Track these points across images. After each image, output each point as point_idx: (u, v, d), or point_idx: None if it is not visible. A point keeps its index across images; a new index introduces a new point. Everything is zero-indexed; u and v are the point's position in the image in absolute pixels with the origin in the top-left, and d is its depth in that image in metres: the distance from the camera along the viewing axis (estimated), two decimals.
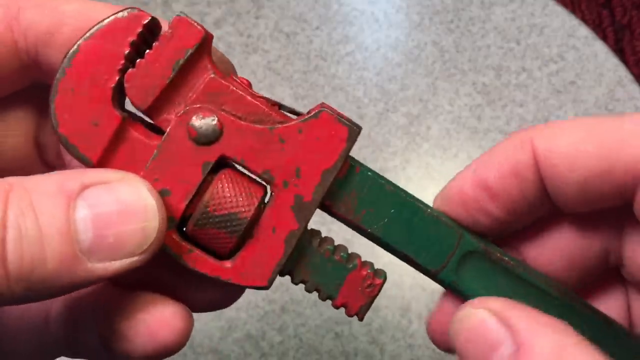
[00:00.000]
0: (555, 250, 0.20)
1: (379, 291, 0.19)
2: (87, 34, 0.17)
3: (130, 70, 0.17)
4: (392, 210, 0.19)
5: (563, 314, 0.18)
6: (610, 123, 0.17)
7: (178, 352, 0.40)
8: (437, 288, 0.44)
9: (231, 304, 0.21)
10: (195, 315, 0.40)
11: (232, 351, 0.39)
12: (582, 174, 0.17)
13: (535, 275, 0.19)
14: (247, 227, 0.18)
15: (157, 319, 0.19)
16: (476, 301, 0.18)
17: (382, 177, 0.19)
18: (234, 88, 0.18)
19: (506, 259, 0.19)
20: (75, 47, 0.17)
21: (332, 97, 0.45)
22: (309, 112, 0.18)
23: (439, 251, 0.19)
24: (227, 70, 0.19)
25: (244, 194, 0.18)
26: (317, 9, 0.48)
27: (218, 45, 0.47)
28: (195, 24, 0.17)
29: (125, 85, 0.17)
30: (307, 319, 0.39)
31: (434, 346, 0.39)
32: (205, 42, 0.17)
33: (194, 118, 0.17)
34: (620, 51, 0.49)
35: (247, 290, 0.42)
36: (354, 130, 0.18)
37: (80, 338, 0.20)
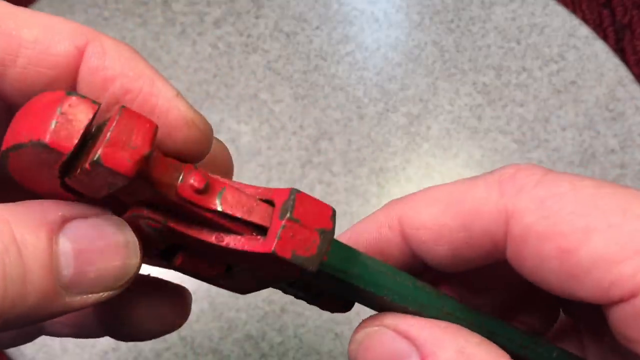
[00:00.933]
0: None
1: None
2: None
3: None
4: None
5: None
6: (464, 192, 0.18)
7: (178, 353, 0.40)
8: None
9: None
10: (195, 316, 0.40)
11: (232, 352, 0.39)
12: (448, 246, 0.18)
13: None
14: None
15: (162, 301, 0.20)
16: (370, 320, 0.18)
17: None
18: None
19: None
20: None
21: (332, 97, 0.45)
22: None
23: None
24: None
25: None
26: (317, 9, 0.48)
27: (218, 45, 0.47)
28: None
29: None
30: (307, 320, 0.39)
31: None
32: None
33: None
34: (620, 51, 0.49)
35: None
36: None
37: (78, 322, 0.21)
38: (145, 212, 0.16)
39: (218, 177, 0.17)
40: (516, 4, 0.48)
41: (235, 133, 0.44)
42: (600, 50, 0.47)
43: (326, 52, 0.47)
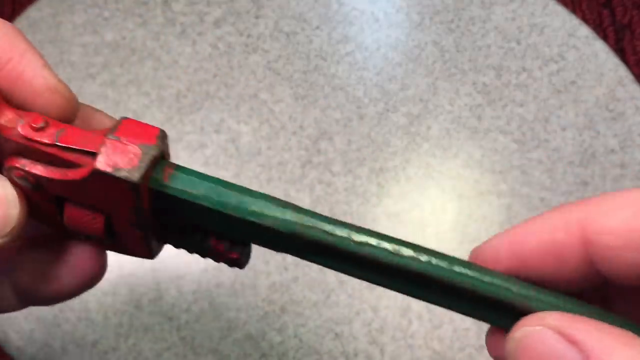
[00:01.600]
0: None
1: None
2: None
3: None
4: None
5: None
6: None
7: (178, 353, 0.40)
8: None
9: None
10: (194, 316, 0.40)
11: (232, 352, 0.39)
12: (638, 254, 0.17)
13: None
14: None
15: (79, 256, 0.21)
16: (532, 318, 0.17)
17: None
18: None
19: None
20: None
21: (332, 97, 0.45)
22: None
23: None
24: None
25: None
26: (317, 9, 0.48)
27: (218, 45, 0.47)
28: None
29: None
30: (307, 320, 0.39)
31: (434, 346, 0.39)
32: None
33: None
34: (620, 51, 0.49)
35: (247, 291, 0.42)
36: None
37: None
38: (13, 163, 0.18)
39: (63, 123, 0.19)
40: (516, 4, 0.48)
41: (235, 133, 0.44)
42: (600, 50, 0.47)
43: (326, 52, 0.47)
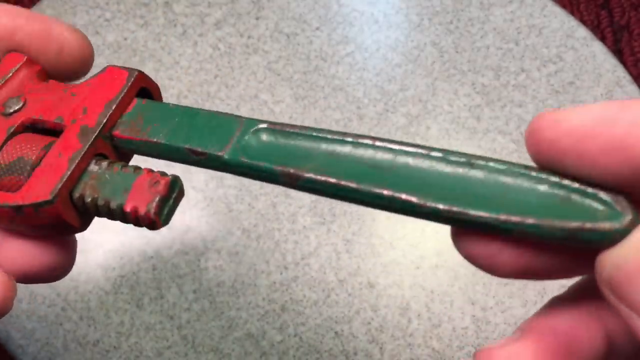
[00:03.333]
0: None
1: (169, 189, 0.19)
2: None
3: None
4: (176, 119, 0.20)
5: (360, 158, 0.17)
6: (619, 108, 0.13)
7: (179, 352, 0.40)
8: (437, 287, 0.44)
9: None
10: (195, 314, 0.40)
11: (232, 350, 0.39)
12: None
13: (330, 134, 0.18)
14: (34, 164, 0.19)
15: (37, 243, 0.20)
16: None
17: (168, 103, 0.21)
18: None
19: (294, 126, 0.19)
20: None
21: (332, 98, 0.45)
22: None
23: (221, 137, 0.19)
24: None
25: (31, 143, 0.20)
26: (317, 10, 0.48)
27: (219, 46, 0.47)
28: None
29: None
30: (307, 319, 0.40)
31: (433, 345, 0.39)
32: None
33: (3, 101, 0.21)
34: (618, 52, 0.49)
35: (247, 290, 0.42)
36: (132, 71, 0.20)
37: None
38: None
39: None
40: (515, 5, 0.49)
41: None
42: (598, 51, 0.47)
43: (326, 53, 0.47)
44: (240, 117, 0.19)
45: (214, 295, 0.40)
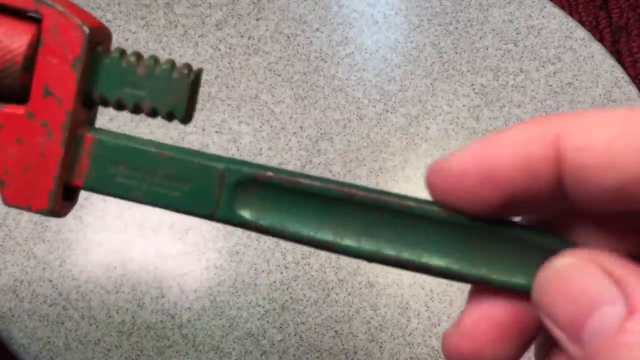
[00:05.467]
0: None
1: (196, 78, 0.18)
2: None
3: None
4: (143, 167, 0.18)
5: (366, 214, 0.17)
6: None
7: (180, 351, 0.40)
8: (436, 286, 0.44)
9: None
10: (196, 314, 0.41)
11: (233, 349, 0.39)
12: (617, 177, 0.15)
13: (322, 185, 0.17)
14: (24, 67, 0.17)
15: None
16: (570, 252, 0.15)
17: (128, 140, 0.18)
18: None
19: (284, 176, 0.17)
20: None
21: (332, 98, 0.46)
22: None
23: (204, 193, 0.17)
24: None
25: (10, 32, 0.17)
26: (317, 11, 0.48)
27: (219, 47, 0.47)
28: None
29: None
30: (307, 318, 0.40)
31: (432, 344, 0.39)
32: None
33: None
34: (617, 52, 0.49)
35: (248, 289, 0.43)
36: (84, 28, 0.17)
37: None
38: None
39: None
40: (513, 6, 0.49)
41: (236, 133, 0.44)
42: (597, 52, 0.47)
43: (326, 54, 0.47)
44: (218, 161, 0.17)
45: (214, 295, 0.40)
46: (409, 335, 0.40)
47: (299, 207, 0.17)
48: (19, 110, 0.17)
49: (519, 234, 0.17)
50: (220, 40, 0.47)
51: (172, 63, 0.17)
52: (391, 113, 0.45)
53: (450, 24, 0.48)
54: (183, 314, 0.40)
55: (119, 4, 0.49)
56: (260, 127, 0.45)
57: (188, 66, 0.17)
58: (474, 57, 0.47)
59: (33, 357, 0.39)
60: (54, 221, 0.41)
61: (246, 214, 0.17)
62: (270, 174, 0.17)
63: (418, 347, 0.39)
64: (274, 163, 0.44)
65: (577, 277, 0.14)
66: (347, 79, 0.46)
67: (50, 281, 0.40)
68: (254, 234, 0.41)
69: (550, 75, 0.47)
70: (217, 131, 0.44)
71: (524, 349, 0.17)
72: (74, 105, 0.17)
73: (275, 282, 0.40)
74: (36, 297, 0.40)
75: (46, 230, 0.41)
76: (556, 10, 0.49)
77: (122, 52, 0.17)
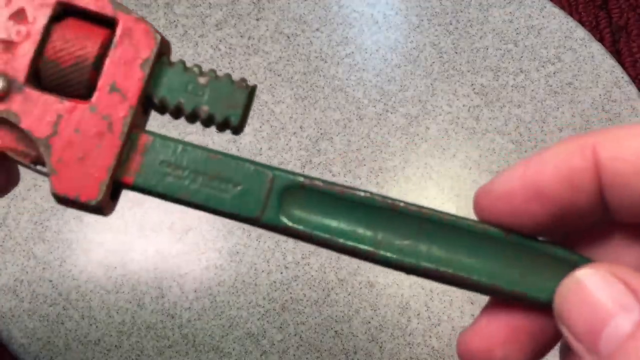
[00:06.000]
0: (611, 260, 0.18)
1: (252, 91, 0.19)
2: None
3: None
4: (193, 167, 0.18)
5: (409, 225, 0.17)
6: None
7: (180, 351, 0.41)
8: (436, 286, 0.45)
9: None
10: (196, 314, 0.41)
11: (232, 349, 0.39)
12: None
13: (367, 195, 0.18)
14: (94, 66, 0.18)
15: None
16: (591, 265, 0.16)
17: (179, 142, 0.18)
18: None
19: (330, 185, 0.18)
20: None
21: (332, 98, 0.46)
22: None
23: (253, 196, 0.18)
24: None
25: (83, 35, 0.18)
26: (317, 11, 0.49)
27: (219, 46, 0.47)
28: None
29: None
30: (307, 318, 0.40)
31: (432, 344, 0.39)
32: None
33: None
34: (617, 52, 0.49)
35: (248, 289, 0.42)
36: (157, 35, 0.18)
37: None
38: None
39: None
40: (513, 6, 0.49)
41: None
42: (597, 52, 0.47)
43: (326, 54, 0.47)
44: (267, 167, 0.18)
45: (214, 295, 0.40)
46: (409, 335, 0.40)
47: (343, 216, 0.18)
48: (81, 104, 0.18)
49: (548, 249, 0.18)
50: (220, 40, 0.47)
51: (230, 76, 0.18)
52: (391, 113, 0.45)
53: (450, 24, 0.48)
54: (183, 314, 0.40)
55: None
56: (260, 127, 0.45)
57: (244, 80, 0.18)
58: (474, 57, 0.47)
59: (33, 357, 0.39)
60: (54, 221, 0.41)
61: (291, 220, 0.18)
62: (317, 182, 0.18)
63: (418, 347, 0.39)
64: (274, 163, 0.44)
65: (595, 286, 0.15)
66: (347, 79, 0.46)
67: (50, 281, 0.40)
68: (253, 234, 0.41)
69: (550, 75, 0.47)
70: (217, 131, 0.44)
71: (536, 355, 0.18)
72: (138, 102, 0.18)
73: (275, 282, 0.40)
74: (36, 297, 0.40)
75: (46, 230, 0.41)
76: (556, 10, 0.49)
77: (184, 63, 0.18)
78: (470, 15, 0.48)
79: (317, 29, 0.48)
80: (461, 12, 0.49)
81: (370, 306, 0.40)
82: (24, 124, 0.17)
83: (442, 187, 0.43)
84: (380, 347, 0.39)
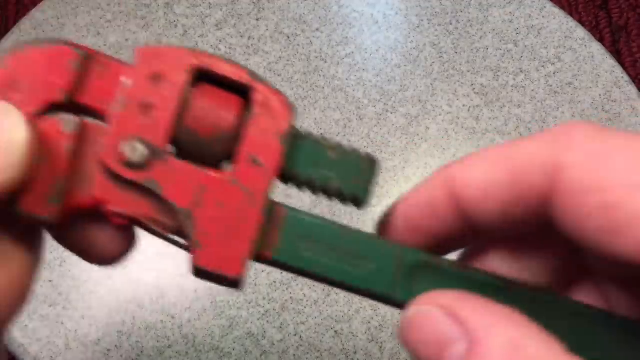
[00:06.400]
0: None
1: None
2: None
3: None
4: (326, 242, 0.18)
5: (528, 305, 0.17)
6: (517, 147, 0.17)
7: (180, 351, 0.41)
8: None
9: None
10: (196, 314, 0.41)
11: (232, 349, 0.39)
12: (496, 203, 0.17)
13: (489, 275, 0.19)
14: (234, 135, 0.18)
15: (104, 234, 0.19)
16: (424, 297, 0.17)
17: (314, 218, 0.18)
18: None
19: (453, 264, 0.19)
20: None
21: (332, 98, 0.46)
22: None
23: (385, 273, 0.18)
24: None
25: (222, 103, 0.18)
26: (317, 11, 0.49)
27: (219, 47, 0.47)
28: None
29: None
30: (307, 318, 0.40)
31: None
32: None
33: None
34: (617, 52, 0.49)
35: (248, 289, 0.43)
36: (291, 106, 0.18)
37: None
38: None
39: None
40: (513, 6, 0.49)
41: None
42: (597, 52, 0.47)
43: (326, 54, 0.47)
44: (395, 245, 0.18)
45: (214, 294, 0.40)
46: None
47: (473, 289, 0.18)
48: (222, 175, 0.17)
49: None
50: (220, 40, 0.47)
51: (356, 150, 0.19)
52: (391, 113, 0.45)
53: (450, 24, 0.48)
54: (183, 314, 0.40)
55: (119, 4, 0.49)
56: None
57: (369, 154, 0.19)
58: (474, 57, 0.47)
59: (33, 357, 0.39)
60: None
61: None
62: (444, 262, 0.18)
63: None
64: None
65: (424, 325, 0.16)
66: (347, 79, 0.46)
67: (50, 281, 0.40)
68: None
69: (550, 75, 0.47)
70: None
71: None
72: (277, 175, 0.18)
73: (275, 281, 0.40)
74: (36, 297, 0.40)
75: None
76: (556, 10, 0.49)
77: (312, 134, 0.19)
78: (470, 15, 0.48)
79: (317, 29, 0.48)
80: (461, 12, 0.49)
81: (371, 306, 0.40)
82: (165, 193, 0.17)
83: None
84: (381, 347, 0.39)
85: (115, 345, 0.39)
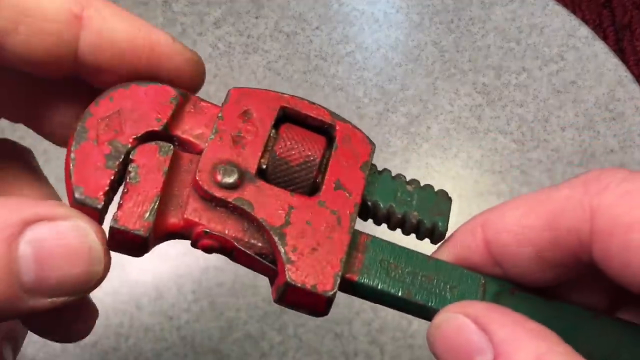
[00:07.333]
0: None
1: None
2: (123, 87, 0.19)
3: None
4: (410, 268, 0.19)
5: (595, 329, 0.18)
6: (549, 193, 0.18)
7: (178, 353, 0.40)
8: None
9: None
10: (195, 315, 0.40)
11: (232, 351, 0.39)
12: (532, 248, 0.18)
13: (573, 303, 0.19)
14: (319, 166, 0.19)
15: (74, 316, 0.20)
16: (454, 306, 0.18)
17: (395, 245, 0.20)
18: None
19: (527, 292, 0.19)
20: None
21: (332, 97, 0.45)
22: None
23: (470, 297, 0.19)
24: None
25: (306, 138, 0.19)
26: (317, 9, 0.48)
27: (218, 45, 0.47)
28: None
29: None
30: (307, 319, 0.39)
31: None
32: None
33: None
34: (620, 51, 0.49)
35: (247, 290, 0.42)
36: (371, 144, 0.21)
37: None
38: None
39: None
40: (516, 4, 0.48)
41: None
42: (600, 51, 0.47)
43: (326, 53, 0.47)
44: (477, 274, 0.19)
45: (213, 296, 0.40)
46: (410, 337, 0.39)
47: (548, 322, 0.18)
48: (310, 198, 0.19)
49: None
50: (219, 39, 0.47)
51: (432, 186, 0.20)
52: (392, 112, 0.45)
53: (452, 22, 0.48)
54: (182, 316, 0.39)
55: (116, 2, 0.48)
56: None
57: (442, 190, 0.20)
58: (475, 56, 0.47)
59: None
60: None
61: None
62: (523, 292, 0.19)
63: (419, 350, 0.39)
64: None
65: (453, 331, 0.17)
66: (347, 78, 0.46)
67: None
68: None
69: (553, 74, 0.46)
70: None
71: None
72: (362, 199, 0.19)
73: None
74: None
75: None
76: (559, 9, 0.48)
77: (390, 171, 0.20)
78: (472, 14, 0.48)
79: (317, 27, 0.48)
80: (463, 10, 0.48)
81: (371, 308, 0.40)
82: (257, 212, 0.18)
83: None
84: (381, 350, 0.39)
85: (113, 348, 0.39)
